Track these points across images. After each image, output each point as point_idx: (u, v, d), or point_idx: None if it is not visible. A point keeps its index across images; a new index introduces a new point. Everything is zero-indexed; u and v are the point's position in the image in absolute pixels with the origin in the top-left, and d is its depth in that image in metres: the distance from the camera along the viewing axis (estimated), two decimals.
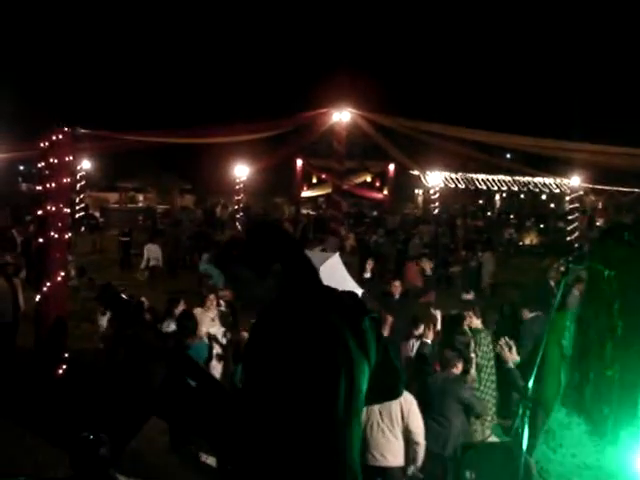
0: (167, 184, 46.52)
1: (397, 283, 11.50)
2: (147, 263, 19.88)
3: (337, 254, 7.41)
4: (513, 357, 5.78)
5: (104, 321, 11.41)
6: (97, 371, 10.72)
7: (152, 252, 19.95)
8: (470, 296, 11.75)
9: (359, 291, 6.96)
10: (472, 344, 8.62)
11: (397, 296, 11.28)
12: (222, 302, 10.64)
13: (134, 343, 10.71)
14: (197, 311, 9.92)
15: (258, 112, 34.13)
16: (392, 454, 6.57)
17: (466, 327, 9.12)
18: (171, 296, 10.93)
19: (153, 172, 44.19)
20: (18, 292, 12.36)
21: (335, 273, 6.81)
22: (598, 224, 36.05)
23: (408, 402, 6.60)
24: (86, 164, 36.35)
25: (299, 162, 38.05)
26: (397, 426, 6.57)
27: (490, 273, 19.29)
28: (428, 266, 13.78)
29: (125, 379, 10.00)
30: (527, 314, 10.03)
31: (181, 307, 10.04)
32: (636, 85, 52.01)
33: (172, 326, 9.42)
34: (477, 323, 9.23)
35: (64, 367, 10.72)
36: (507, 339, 5.83)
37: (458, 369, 7.56)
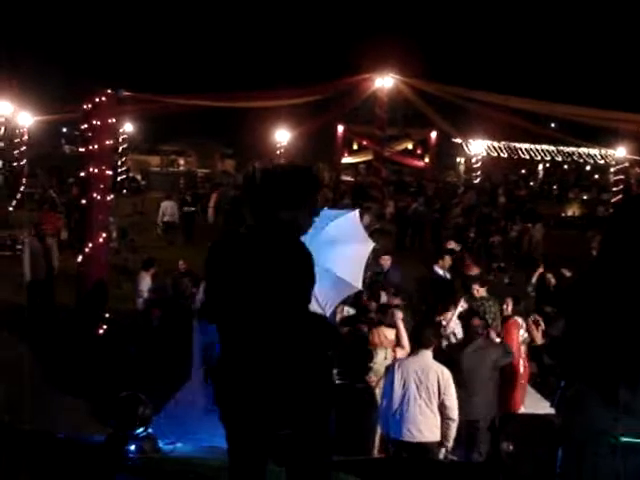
0: (208, 148, 46.68)
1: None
2: (162, 218, 21.30)
3: (357, 211, 7.40)
4: (538, 336, 5.73)
5: (145, 284, 11.52)
6: (136, 332, 10.91)
7: (167, 209, 21.33)
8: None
9: (369, 246, 7.00)
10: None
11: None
12: None
13: (171, 307, 10.89)
14: None
15: (300, 77, 33.93)
16: (429, 429, 6.54)
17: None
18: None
19: (194, 136, 44.37)
20: (52, 252, 12.58)
21: (351, 227, 6.83)
22: None
23: (446, 377, 6.57)
24: (128, 127, 36.64)
25: (340, 128, 37.80)
26: (435, 401, 6.55)
27: (540, 244, 19.10)
28: (455, 245, 13.56)
29: (162, 341, 10.17)
30: None
31: None
32: None
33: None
34: (482, 291, 9.25)
35: (105, 327, 10.88)
36: (536, 316, 5.77)
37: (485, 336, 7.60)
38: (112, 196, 12.37)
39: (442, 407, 6.55)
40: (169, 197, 22.24)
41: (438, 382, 6.53)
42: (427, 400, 6.52)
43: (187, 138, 45.39)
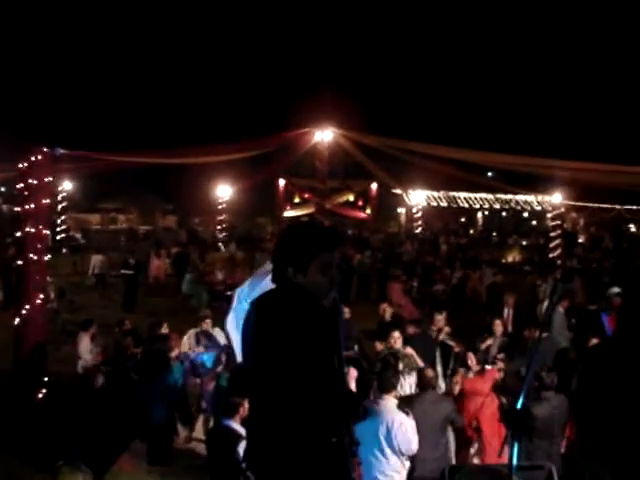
0: (149, 205, 46.34)
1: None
2: (93, 270, 22.43)
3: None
4: None
5: (84, 345, 11.21)
6: (77, 395, 10.56)
7: (97, 261, 22.46)
8: (442, 316, 11.53)
9: None
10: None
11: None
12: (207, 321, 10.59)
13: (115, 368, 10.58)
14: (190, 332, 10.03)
15: (240, 132, 34.17)
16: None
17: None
18: (153, 318, 10.81)
19: (135, 193, 44.03)
20: None
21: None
22: (580, 241, 36.21)
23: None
24: (67, 185, 36.13)
25: (282, 182, 37.91)
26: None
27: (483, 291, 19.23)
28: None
29: (105, 404, 9.84)
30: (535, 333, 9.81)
31: (164, 329, 9.95)
32: (614, 103, 52.49)
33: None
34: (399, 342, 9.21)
35: (44, 391, 10.52)
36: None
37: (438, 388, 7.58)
38: (50, 256, 12.10)
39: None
40: (100, 251, 23.28)
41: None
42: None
43: (127, 195, 45.02)
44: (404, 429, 6.43)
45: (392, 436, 6.39)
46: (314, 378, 3.01)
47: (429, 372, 7.62)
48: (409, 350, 9.11)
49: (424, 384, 7.47)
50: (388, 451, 6.42)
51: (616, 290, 10.91)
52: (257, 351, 3.11)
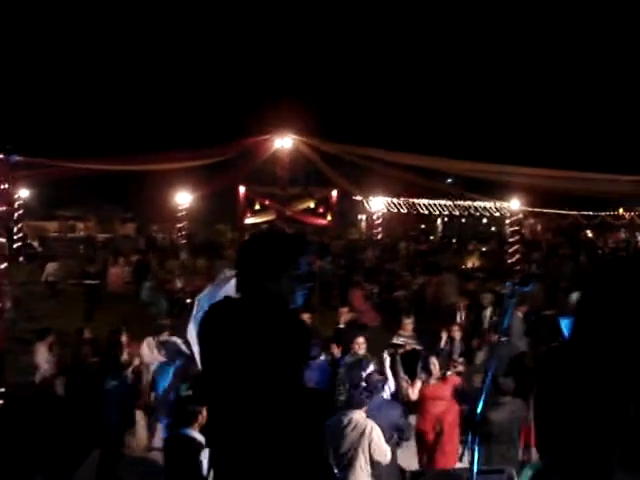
0: (108, 212, 45.87)
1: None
2: (46, 278, 22.43)
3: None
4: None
5: (41, 354, 11.06)
6: (36, 406, 10.40)
7: (51, 269, 22.62)
8: (410, 320, 11.61)
9: None
10: None
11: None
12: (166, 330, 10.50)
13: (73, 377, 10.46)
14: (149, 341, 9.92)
15: (199, 139, 33.98)
16: None
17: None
18: (112, 326, 10.71)
19: (93, 200, 43.55)
20: None
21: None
22: (539, 247, 36.68)
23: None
24: (24, 193, 35.59)
25: (242, 189, 37.82)
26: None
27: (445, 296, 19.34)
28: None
29: (65, 413, 9.72)
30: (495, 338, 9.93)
31: (123, 338, 9.87)
32: (569, 110, 53.37)
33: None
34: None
35: (1, 402, 10.35)
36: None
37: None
38: (6, 264, 11.92)
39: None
40: (54, 259, 23.56)
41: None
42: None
43: (86, 202, 44.48)
44: (378, 440, 6.48)
45: (367, 447, 6.44)
46: (284, 382, 3.01)
47: (375, 376, 7.66)
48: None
49: (371, 389, 7.49)
50: (362, 462, 6.45)
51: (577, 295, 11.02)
52: (224, 357, 3.08)
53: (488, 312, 12.96)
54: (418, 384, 8.53)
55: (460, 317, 13.46)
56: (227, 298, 3.29)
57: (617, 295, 2.60)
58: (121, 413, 8.68)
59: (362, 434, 6.45)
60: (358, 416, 6.60)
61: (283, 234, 3.47)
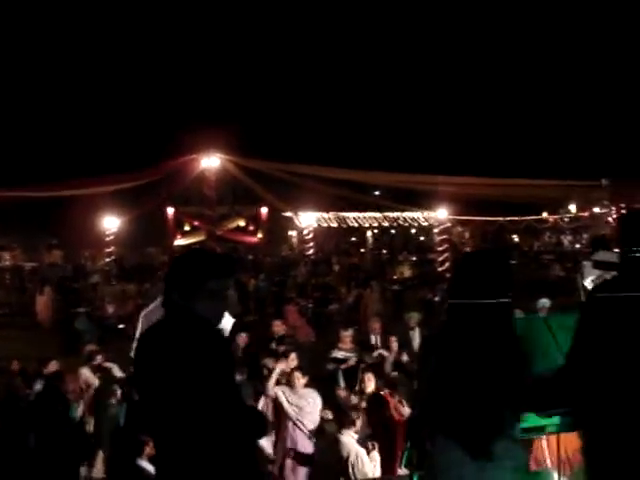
0: (33, 240, 44.83)
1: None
2: None
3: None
4: None
5: None
6: None
7: None
8: (349, 333, 11.60)
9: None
10: None
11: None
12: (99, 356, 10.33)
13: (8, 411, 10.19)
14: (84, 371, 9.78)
15: (126, 162, 33.56)
16: None
17: None
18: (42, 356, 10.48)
19: (17, 228, 42.51)
20: None
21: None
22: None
23: None
24: None
25: (170, 210, 37.54)
26: None
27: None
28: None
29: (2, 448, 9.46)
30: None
31: (52, 366, 9.66)
32: (490, 118, 54.59)
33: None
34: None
35: None
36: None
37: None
38: None
39: None
40: None
41: None
42: None
43: (10, 231, 43.40)
44: (361, 463, 6.61)
45: (351, 468, 6.58)
46: (214, 402, 2.99)
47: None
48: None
49: None
50: None
51: (545, 301, 11.34)
52: (151, 382, 3.08)
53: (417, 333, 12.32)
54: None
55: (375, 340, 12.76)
56: (156, 322, 3.30)
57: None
58: (66, 443, 8.48)
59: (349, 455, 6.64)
60: (348, 438, 6.76)
61: (202, 253, 3.47)
